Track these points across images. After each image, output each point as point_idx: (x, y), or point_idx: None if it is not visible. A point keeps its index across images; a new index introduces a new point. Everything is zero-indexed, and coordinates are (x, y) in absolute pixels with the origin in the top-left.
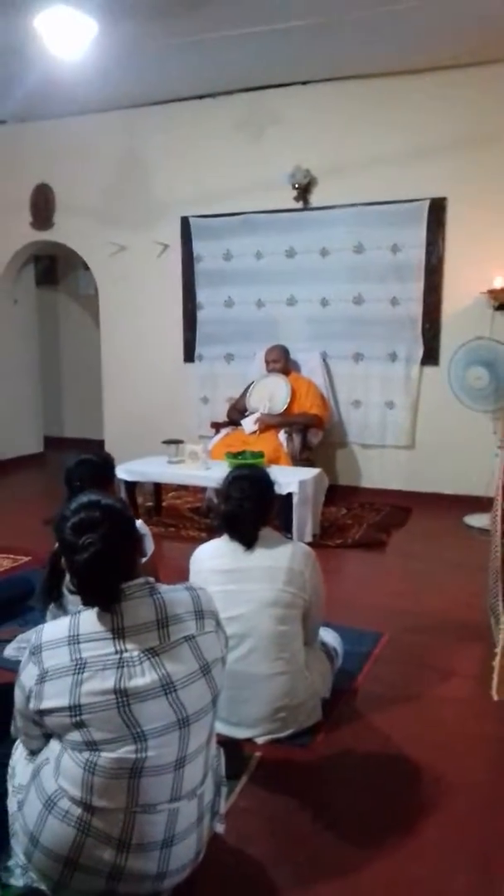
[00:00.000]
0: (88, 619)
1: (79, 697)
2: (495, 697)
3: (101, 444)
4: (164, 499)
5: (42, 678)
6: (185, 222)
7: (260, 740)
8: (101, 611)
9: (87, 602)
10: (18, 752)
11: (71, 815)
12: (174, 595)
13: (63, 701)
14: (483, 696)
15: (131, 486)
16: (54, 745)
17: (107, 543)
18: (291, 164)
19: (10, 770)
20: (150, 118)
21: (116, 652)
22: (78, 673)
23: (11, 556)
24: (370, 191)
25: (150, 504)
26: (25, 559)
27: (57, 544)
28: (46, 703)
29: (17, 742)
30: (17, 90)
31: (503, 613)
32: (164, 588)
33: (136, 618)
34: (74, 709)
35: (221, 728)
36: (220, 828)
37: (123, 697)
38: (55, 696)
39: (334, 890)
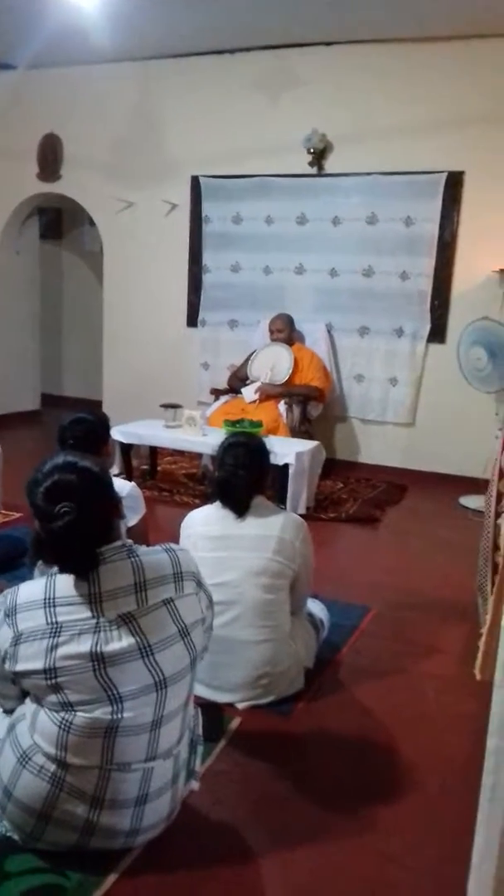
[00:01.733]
0: (65, 583)
1: (54, 661)
2: (478, 677)
3: (99, 404)
4: (160, 463)
5: (17, 640)
6: (195, 182)
7: (241, 706)
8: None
9: (64, 569)
10: None
11: (45, 771)
12: (153, 557)
13: (38, 664)
14: (466, 675)
15: (127, 449)
16: (31, 702)
17: (83, 511)
18: (308, 127)
19: None
20: (165, 71)
21: (93, 616)
22: (53, 636)
23: (3, 511)
24: (387, 160)
25: (145, 467)
26: (17, 515)
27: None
28: (21, 666)
29: None
30: (29, 36)
31: (491, 594)
32: (142, 550)
33: (113, 582)
34: (49, 672)
35: (203, 691)
36: (195, 785)
37: (99, 661)
38: (30, 659)
39: (305, 856)
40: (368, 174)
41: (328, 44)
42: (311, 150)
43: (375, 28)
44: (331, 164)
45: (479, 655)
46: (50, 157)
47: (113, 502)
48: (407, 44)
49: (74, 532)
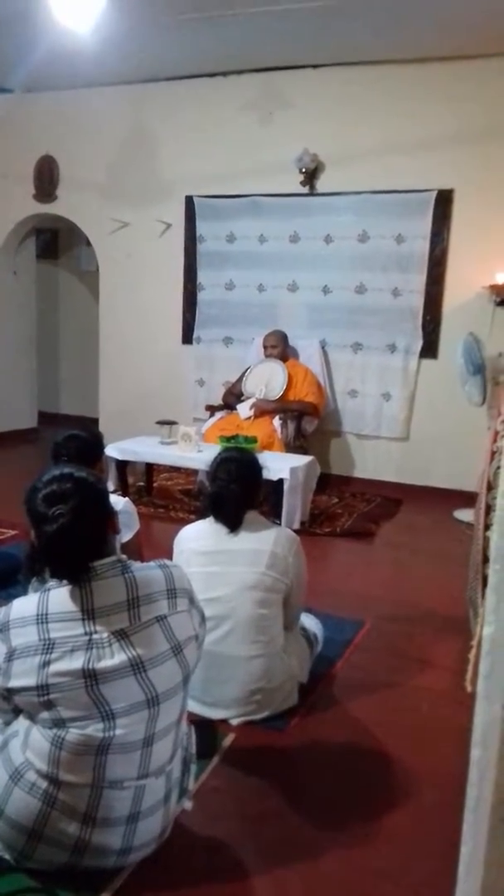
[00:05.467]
0: (58, 598)
1: (46, 678)
2: (468, 689)
3: (95, 421)
4: (156, 480)
5: (10, 656)
6: (189, 202)
7: (235, 721)
8: (71, 589)
9: (56, 574)
10: None
11: (37, 788)
12: (146, 573)
13: (30, 681)
14: (460, 688)
15: (122, 465)
16: (24, 719)
17: (77, 515)
18: (299, 147)
19: None
20: (158, 94)
21: (86, 633)
22: (45, 653)
23: None
24: (377, 179)
25: (141, 484)
26: (12, 532)
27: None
28: (14, 682)
29: None
30: (25, 60)
31: (481, 606)
32: (136, 566)
33: (106, 598)
34: (42, 688)
35: (196, 708)
36: (188, 805)
37: (91, 678)
38: (22, 676)
39: (299, 872)
40: (359, 193)
41: (316, 66)
42: (303, 170)
43: (363, 50)
44: (322, 184)
45: (470, 668)
46: (46, 179)
47: (107, 512)
48: (394, 65)
49: (67, 536)
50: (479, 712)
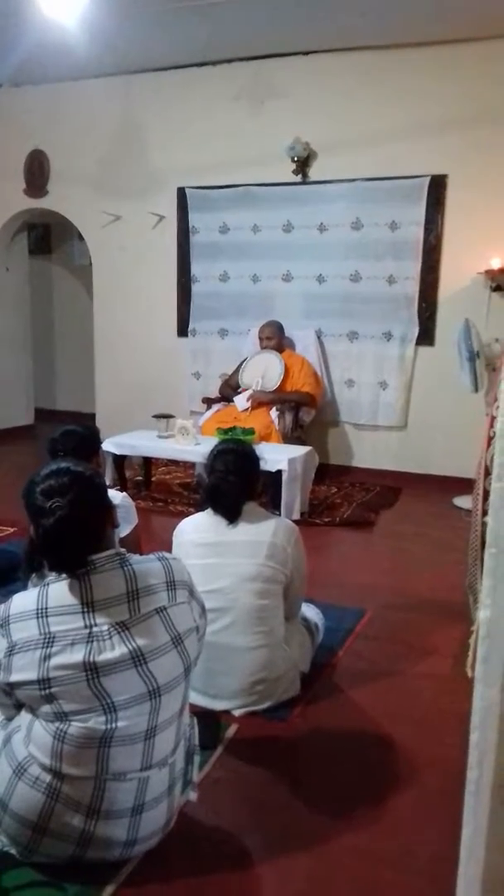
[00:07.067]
0: (57, 592)
1: (47, 671)
2: (469, 674)
3: (92, 417)
4: (154, 474)
5: (11, 651)
6: (181, 193)
7: (237, 712)
8: (70, 582)
9: (54, 567)
10: None
11: (41, 782)
12: (146, 566)
13: (31, 674)
14: (461, 675)
15: (120, 460)
16: (26, 713)
17: (74, 508)
18: (291, 136)
19: None
20: (147, 85)
21: (86, 626)
22: (46, 647)
23: None
24: (370, 166)
25: (139, 478)
26: (11, 530)
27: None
28: (15, 676)
29: None
30: (12, 53)
31: (481, 592)
32: (135, 559)
33: (106, 591)
34: (43, 682)
35: (199, 699)
36: (192, 796)
37: (92, 671)
38: (23, 670)
39: (304, 860)
40: (352, 180)
41: (306, 53)
42: (295, 159)
43: (354, 36)
44: (315, 172)
45: (470, 653)
46: (36, 173)
47: (104, 505)
48: (385, 50)
49: (65, 528)
50: (477, 696)
